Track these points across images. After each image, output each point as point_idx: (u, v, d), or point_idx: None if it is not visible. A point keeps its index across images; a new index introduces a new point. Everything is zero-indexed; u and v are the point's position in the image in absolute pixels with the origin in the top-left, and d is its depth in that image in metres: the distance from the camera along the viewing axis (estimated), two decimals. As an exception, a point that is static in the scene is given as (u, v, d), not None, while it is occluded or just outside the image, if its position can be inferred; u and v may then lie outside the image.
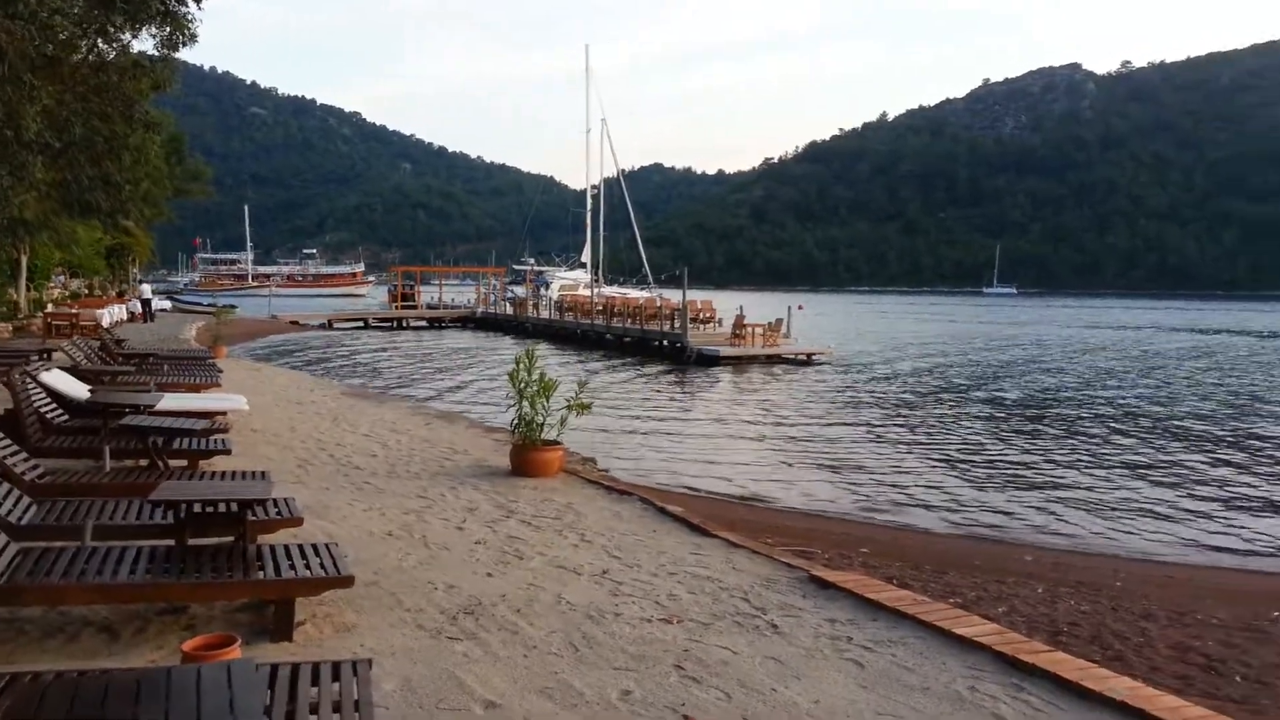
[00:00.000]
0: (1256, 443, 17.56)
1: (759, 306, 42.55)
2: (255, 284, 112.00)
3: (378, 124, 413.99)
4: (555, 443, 10.08)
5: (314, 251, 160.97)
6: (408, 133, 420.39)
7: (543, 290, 58.15)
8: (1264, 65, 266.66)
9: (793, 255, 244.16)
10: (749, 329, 32.81)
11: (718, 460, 14.71)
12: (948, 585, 7.94)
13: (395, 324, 52.49)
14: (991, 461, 15.09)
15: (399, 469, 10.34)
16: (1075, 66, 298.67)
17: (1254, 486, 13.52)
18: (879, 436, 17.46)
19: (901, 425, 18.91)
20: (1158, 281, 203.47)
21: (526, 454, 9.94)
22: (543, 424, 9.97)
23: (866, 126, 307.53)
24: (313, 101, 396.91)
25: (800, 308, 40.24)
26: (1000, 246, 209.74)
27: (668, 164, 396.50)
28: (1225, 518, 11.58)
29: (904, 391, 25.00)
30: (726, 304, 41.13)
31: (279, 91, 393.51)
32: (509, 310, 53.69)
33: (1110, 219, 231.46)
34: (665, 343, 34.55)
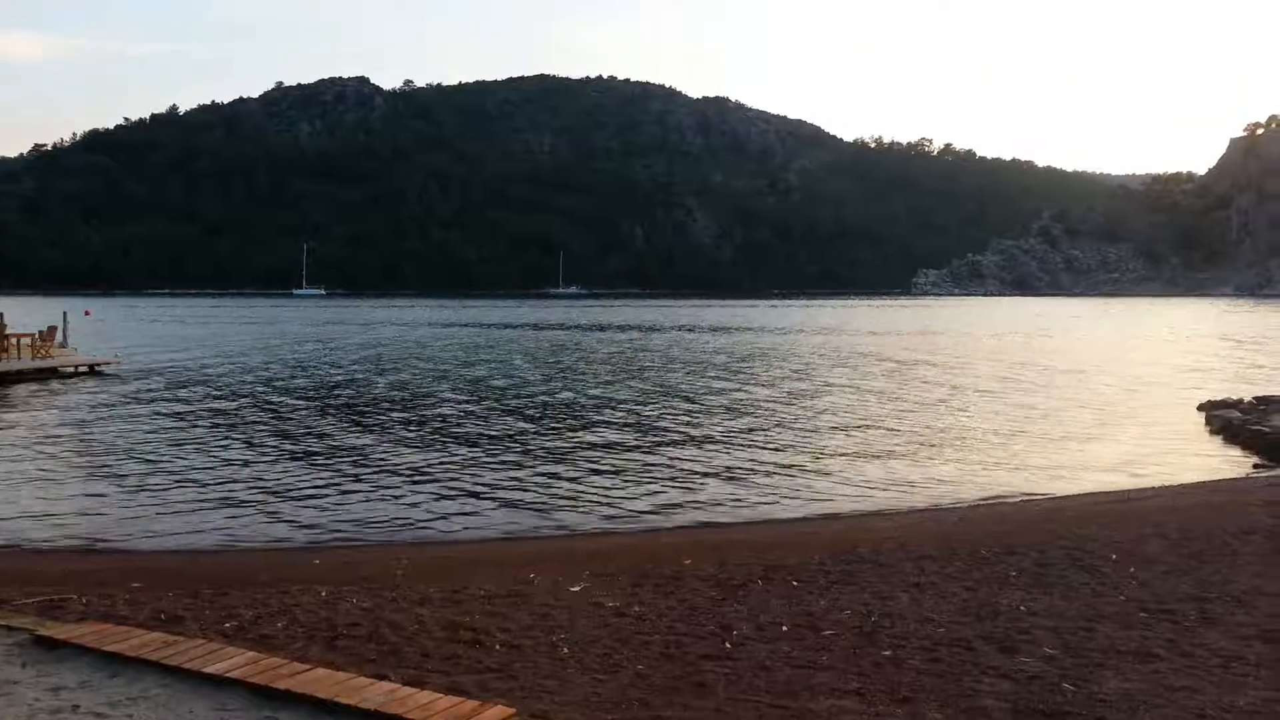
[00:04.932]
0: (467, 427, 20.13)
1: (33, 314, 36.39)
2: None
3: None
4: None
5: None
6: None
7: None
8: (518, 96, 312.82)
9: (78, 256, 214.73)
10: (13, 340, 29.37)
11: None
12: (226, 608, 7.28)
13: None
14: (286, 469, 14.69)
15: None
16: (364, 80, 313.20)
17: (468, 467, 15.31)
18: (163, 449, 15.88)
19: (189, 435, 17.53)
20: (450, 283, 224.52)
21: None
22: None
23: (155, 119, 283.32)
24: None
25: (88, 313, 35.95)
26: (308, 249, 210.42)
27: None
28: (486, 495, 12.84)
29: (197, 398, 23.42)
30: (-12, 313, 34.15)
31: None
32: None
33: (405, 226, 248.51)
34: (-113, 362, 27.72)
